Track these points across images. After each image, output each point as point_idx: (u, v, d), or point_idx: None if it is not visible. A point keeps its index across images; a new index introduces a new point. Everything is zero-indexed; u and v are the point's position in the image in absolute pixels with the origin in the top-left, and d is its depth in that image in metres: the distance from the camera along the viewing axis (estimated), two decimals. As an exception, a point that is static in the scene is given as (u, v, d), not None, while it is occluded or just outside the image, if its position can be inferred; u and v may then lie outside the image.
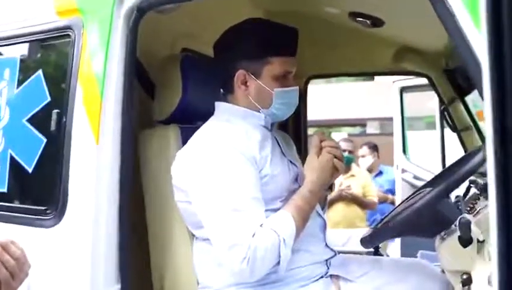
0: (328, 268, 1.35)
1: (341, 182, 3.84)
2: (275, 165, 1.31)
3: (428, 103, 4.52)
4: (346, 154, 3.94)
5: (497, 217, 0.62)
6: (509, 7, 0.60)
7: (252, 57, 1.33)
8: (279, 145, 1.39)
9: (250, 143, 1.29)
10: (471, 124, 2.30)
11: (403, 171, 3.71)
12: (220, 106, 1.41)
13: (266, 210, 1.24)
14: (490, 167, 0.61)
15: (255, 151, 1.28)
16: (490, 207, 0.64)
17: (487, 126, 0.61)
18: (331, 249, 1.39)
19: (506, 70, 0.60)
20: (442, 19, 1.03)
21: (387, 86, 4.45)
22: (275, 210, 1.26)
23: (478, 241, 1.26)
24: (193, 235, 1.38)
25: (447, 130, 2.69)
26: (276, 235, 1.18)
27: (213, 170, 1.25)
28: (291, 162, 1.38)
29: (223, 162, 1.25)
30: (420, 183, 3.17)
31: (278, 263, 1.18)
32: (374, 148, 4.51)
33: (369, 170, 4.41)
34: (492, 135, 0.59)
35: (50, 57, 1.55)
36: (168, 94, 1.54)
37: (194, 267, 1.36)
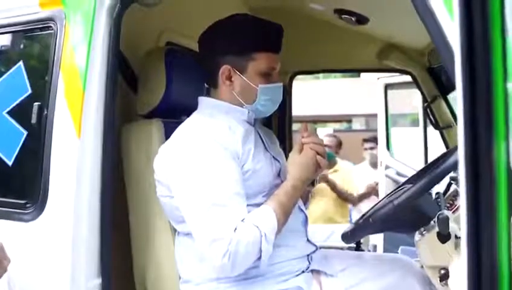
0: (310, 263, 1.36)
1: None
2: (258, 160, 1.31)
3: (413, 100, 4.57)
4: (328, 150, 3.96)
5: (466, 213, 0.64)
6: None
7: (237, 52, 1.33)
8: (262, 141, 1.40)
9: (233, 138, 1.29)
10: (453, 121, 2.33)
11: (387, 167, 3.75)
12: (204, 101, 1.41)
13: (248, 205, 1.24)
14: (461, 158, 0.62)
15: (238, 146, 1.28)
16: (461, 202, 0.65)
17: (458, 111, 0.63)
18: (313, 244, 1.40)
19: (477, 57, 0.62)
20: (415, 4, 1.05)
21: (373, 82, 4.48)
22: (257, 205, 1.26)
23: (456, 237, 1.28)
24: (175, 230, 1.38)
25: (431, 128, 2.72)
26: (257, 230, 1.19)
27: (195, 164, 1.25)
28: (274, 157, 1.39)
29: (205, 156, 1.25)
30: (403, 180, 3.21)
31: (259, 258, 1.19)
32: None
33: (374, 164, 4.42)
34: (463, 122, 0.61)
35: (32, 48, 1.53)
36: (151, 88, 1.53)
37: (176, 262, 1.36)
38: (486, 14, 0.63)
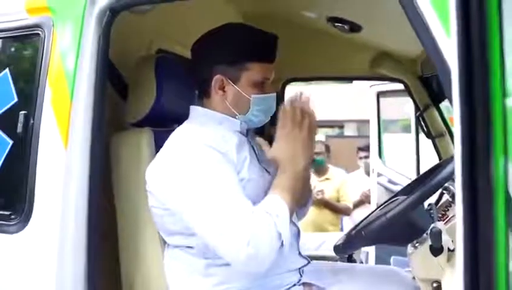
0: (301, 276, 1.33)
1: (314, 186, 3.80)
2: (251, 170, 1.29)
3: (404, 107, 4.57)
4: (317, 157, 3.88)
5: (463, 225, 0.62)
6: (478, 11, 0.60)
7: (230, 62, 1.31)
8: (255, 152, 1.37)
9: (227, 145, 1.26)
10: (446, 130, 2.33)
11: (379, 175, 3.74)
12: (195, 110, 1.38)
13: None
14: (458, 175, 0.61)
15: (233, 154, 1.26)
16: (457, 216, 0.63)
17: (456, 132, 0.61)
18: (305, 258, 1.38)
19: (475, 76, 0.59)
20: (412, 22, 1.03)
21: (365, 88, 4.49)
22: None
23: (449, 249, 1.27)
24: (165, 242, 1.35)
25: (423, 135, 2.72)
26: (269, 215, 1.16)
27: (191, 170, 1.21)
28: (265, 169, 1.36)
29: (200, 160, 1.21)
30: (395, 188, 3.21)
31: (282, 245, 1.16)
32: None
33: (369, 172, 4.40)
34: (460, 141, 0.59)
35: (18, 55, 1.50)
36: (141, 96, 1.50)
37: (165, 275, 1.33)
38: (484, 30, 0.62)
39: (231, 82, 1.31)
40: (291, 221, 1.34)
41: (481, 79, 0.57)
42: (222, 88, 1.32)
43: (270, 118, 1.39)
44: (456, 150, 0.64)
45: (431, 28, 0.98)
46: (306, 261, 1.37)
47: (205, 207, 1.18)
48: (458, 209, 0.65)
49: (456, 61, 0.58)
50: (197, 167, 1.21)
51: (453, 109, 0.60)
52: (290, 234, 1.32)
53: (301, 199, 1.36)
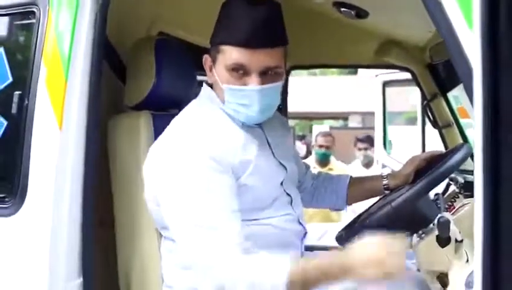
0: None
1: None
2: (258, 173, 1.17)
3: (409, 99, 4.52)
4: (323, 150, 3.92)
5: (483, 217, 0.57)
6: (507, 4, 0.51)
7: (211, 41, 1.20)
8: (270, 146, 1.25)
9: (228, 148, 1.14)
10: (453, 120, 2.28)
11: (383, 166, 3.70)
12: (204, 89, 1.26)
13: (242, 220, 1.11)
14: (478, 176, 0.55)
15: (233, 158, 1.14)
16: (476, 208, 0.59)
17: (476, 139, 0.54)
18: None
19: (501, 76, 0.51)
20: (429, 11, 0.95)
21: (370, 80, 4.43)
22: (252, 221, 1.16)
23: (456, 240, 1.23)
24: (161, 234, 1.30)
25: (429, 126, 2.67)
26: (254, 280, 1.03)
27: (184, 180, 1.10)
28: (280, 163, 1.26)
29: (195, 172, 1.09)
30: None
31: None
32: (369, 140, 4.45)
33: (367, 165, 4.36)
34: (481, 148, 0.53)
35: (13, 34, 1.45)
36: (140, 78, 1.46)
37: (161, 267, 1.29)
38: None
39: (213, 64, 1.19)
40: (298, 222, 1.27)
41: (509, 80, 0.49)
42: (210, 69, 1.21)
43: (259, 117, 1.20)
44: (477, 152, 0.57)
45: (450, 19, 0.90)
46: None
47: (188, 227, 1.08)
48: (477, 200, 0.59)
49: (479, 57, 0.50)
50: (190, 180, 1.09)
51: (473, 114, 0.52)
52: (293, 233, 1.26)
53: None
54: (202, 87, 1.28)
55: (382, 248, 1.03)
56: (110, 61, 1.53)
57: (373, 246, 1.04)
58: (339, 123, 14.12)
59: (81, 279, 1.26)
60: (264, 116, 1.21)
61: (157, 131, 1.30)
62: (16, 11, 1.38)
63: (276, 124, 1.32)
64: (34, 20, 1.33)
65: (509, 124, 0.52)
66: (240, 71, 1.15)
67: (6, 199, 1.31)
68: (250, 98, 1.16)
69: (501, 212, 0.52)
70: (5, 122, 1.35)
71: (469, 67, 0.82)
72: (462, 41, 0.88)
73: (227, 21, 1.16)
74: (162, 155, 1.17)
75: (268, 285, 1.02)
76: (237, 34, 1.13)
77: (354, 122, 13.86)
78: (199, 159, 1.10)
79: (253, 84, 1.14)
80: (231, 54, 1.14)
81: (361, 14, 1.96)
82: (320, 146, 3.92)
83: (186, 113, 1.24)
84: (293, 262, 1.05)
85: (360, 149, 4.63)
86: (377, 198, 1.48)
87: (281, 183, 1.25)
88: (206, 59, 1.22)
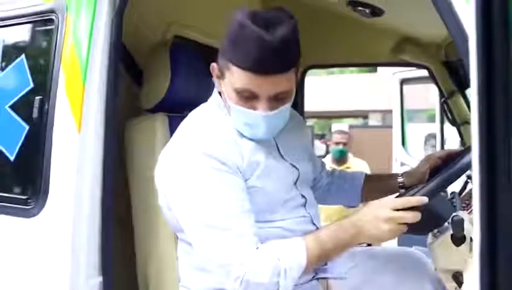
0: (316, 273, 1.25)
1: None
2: (267, 175, 1.16)
3: (429, 96, 4.46)
4: (340, 147, 3.89)
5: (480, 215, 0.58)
6: None
7: (220, 50, 1.14)
8: (278, 148, 1.24)
9: (236, 150, 1.14)
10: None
11: (402, 164, 3.67)
12: (214, 94, 1.25)
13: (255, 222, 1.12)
14: (475, 153, 0.56)
15: (240, 160, 1.13)
16: (474, 202, 0.59)
17: (472, 108, 0.56)
18: None
19: (495, 44, 0.54)
20: None
21: (390, 77, 4.39)
22: (265, 222, 1.16)
23: (471, 239, 1.22)
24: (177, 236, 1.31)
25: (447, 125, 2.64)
26: (277, 263, 1.05)
27: (194, 184, 1.10)
28: (292, 165, 1.25)
29: (205, 175, 1.10)
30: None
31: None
32: None
33: None
34: (478, 119, 0.54)
35: (34, 42, 1.50)
36: (156, 81, 1.49)
37: (178, 268, 1.31)
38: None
39: (221, 73, 1.15)
40: (311, 221, 1.26)
41: (502, 47, 0.52)
42: (218, 77, 1.18)
43: (266, 137, 1.17)
44: (473, 133, 0.59)
45: None
46: (322, 263, 1.24)
47: (202, 230, 1.09)
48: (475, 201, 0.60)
49: (473, 27, 0.53)
50: (197, 182, 1.10)
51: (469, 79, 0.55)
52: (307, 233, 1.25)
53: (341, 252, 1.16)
54: (213, 93, 1.27)
55: (386, 206, 1.10)
56: (126, 65, 1.56)
57: (377, 205, 1.11)
58: (358, 121, 14.01)
59: (101, 277, 1.29)
60: (271, 135, 1.19)
61: (173, 132, 1.32)
62: (35, 19, 1.43)
63: (288, 125, 1.29)
64: (52, 27, 1.37)
65: (502, 86, 0.54)
66: (248, 95, 1.11)
67: (29, 201, 1.36)
68: (257, 120, 1.13)
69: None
70: (27, 127, 1.40)
71: (465, 35, 0.83)
72: (458, 13, 0.89)
73: (238, 39, 1.08)
74: (170, 160, 1.17)
75: (293, 263, 1.06)
76: (247, 57, 1.06)
77: (374, 120, 13.72)
78: (208, 162, 1.10)
79: (261, 109, 1.11)
80: (240, 76, 1.09)
81: (376, 12, 1.95)
82: (337, 143, 3.91)
83: (194, 117, 1.24)
84: (307, 236, 1.11)
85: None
86: (393, 196, 1.48)
87: (295, 184, 1.25)
88: (214, 68, 1.18)
